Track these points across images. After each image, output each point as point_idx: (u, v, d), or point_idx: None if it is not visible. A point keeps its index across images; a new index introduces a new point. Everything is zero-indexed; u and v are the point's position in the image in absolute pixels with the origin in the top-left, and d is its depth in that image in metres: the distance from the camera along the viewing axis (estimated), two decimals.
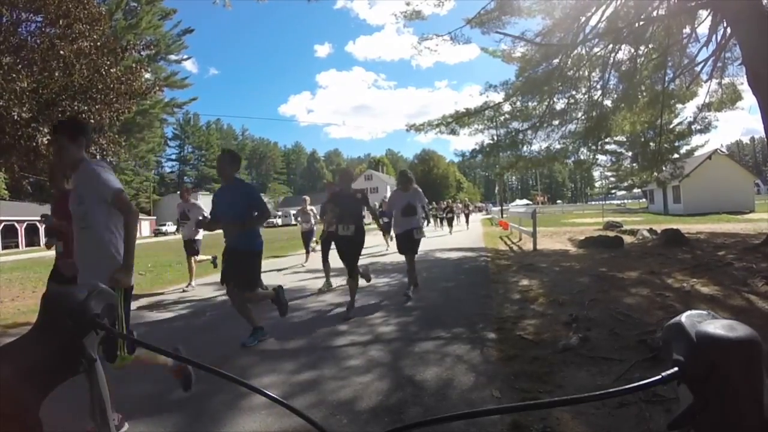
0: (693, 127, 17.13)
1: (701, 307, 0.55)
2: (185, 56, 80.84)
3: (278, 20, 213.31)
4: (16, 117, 11.45)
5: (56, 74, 12.67)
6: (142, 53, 15.46)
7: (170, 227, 62.94)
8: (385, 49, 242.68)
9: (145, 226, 67.00)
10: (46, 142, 12.39)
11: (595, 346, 4.35)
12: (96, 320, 0.58)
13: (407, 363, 4.18)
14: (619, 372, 3.71)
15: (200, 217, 6.07)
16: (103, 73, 13.17)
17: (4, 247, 42.32)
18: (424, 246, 15.95)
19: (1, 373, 0.50)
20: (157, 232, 62.33)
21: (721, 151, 40.21)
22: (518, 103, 16.33)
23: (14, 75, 11.69)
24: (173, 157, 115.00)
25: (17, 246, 44.55)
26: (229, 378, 0.59)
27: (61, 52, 12.18)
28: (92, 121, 13.13)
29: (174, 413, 3.41)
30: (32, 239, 47.15)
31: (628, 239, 14.24)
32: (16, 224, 45.21)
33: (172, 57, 69.14)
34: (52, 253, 4.62)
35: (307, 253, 12.07)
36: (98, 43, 13.20)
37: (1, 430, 0.47)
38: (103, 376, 0.60)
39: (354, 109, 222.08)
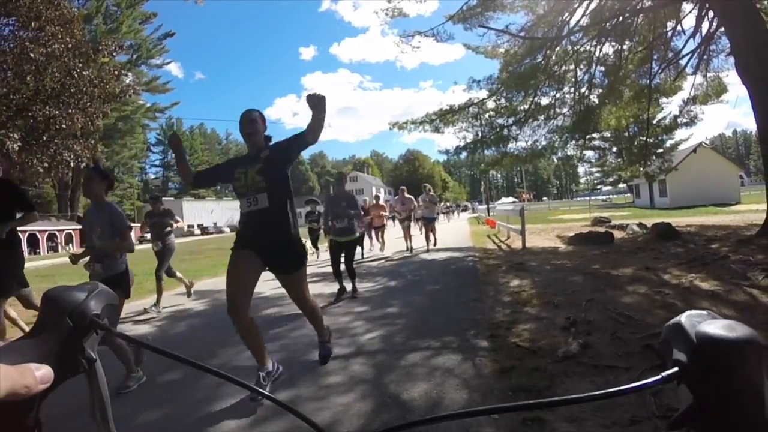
0: (679, 120, 17.05)
1: (704, 305, 0.67)
2: (167, 60, 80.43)
3: (263, 23, 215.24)
4: None
5: (28, 78, 12.25)
6: (114, 55, 15.05)
7: None
8: (370, 50, 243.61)
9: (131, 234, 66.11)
10: (17, 148, 11.96)
11: (597, 353, 4.01)
12: (96, 320, 0.58)
13: (392, 379, 3.80)
14: (628, 382, 3.38)
15: None
16: (75, 76, 12.78)
17: None
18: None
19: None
20: (141, 240, 61.37)
21: (705, 144, 40.41)
22: (503, 99, 16.11)
23: None
24: (157, 163, 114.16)
25: None
26: (229, 378, 0.58)
27: (32, 55, 11.77)
28: (64, 126, 12.72)
29: None
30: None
31: (618, 234, 14.02)
32: None
33: (154, 61, 69.04)
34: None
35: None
36: (69, 46, 12.79)
37: (1, 430, 0.47)
38: (103, 377, 0.59)
39: (340, 111, 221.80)
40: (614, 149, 24.26)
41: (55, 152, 13.39)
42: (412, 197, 14.97)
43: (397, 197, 15.07)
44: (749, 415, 0.44)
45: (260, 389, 0.59)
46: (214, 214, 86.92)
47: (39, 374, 0.48)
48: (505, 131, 16.30)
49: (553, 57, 14.95)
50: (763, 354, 0.46)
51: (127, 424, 3.19)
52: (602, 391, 0.47)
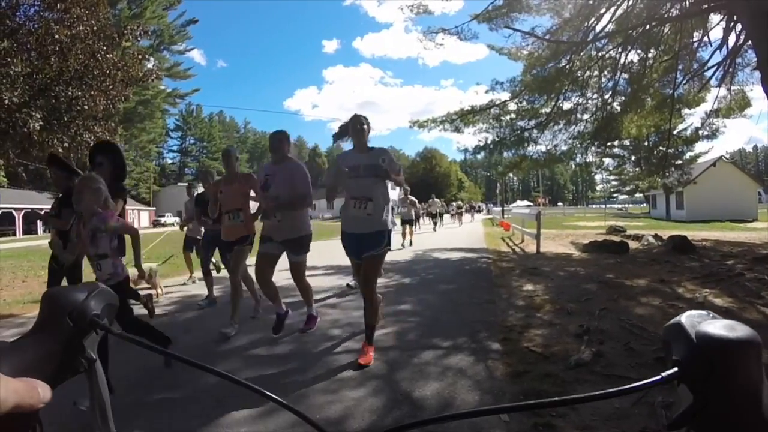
0: (700, 132, 16.85)
1: None
2: (190, 47, 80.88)
3: (288, 15, 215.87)
4: (7, 102, 11.17)
5: (52, 59, 12.37)
6: (139, 40, 15.16)
7: (169, 218, 62.62)
8: (393, 46, 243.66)
9: (144, 217, 66.65)
10: (38, 128, 12.10)
11: (609, 363, 4.01)
12: (96, 320, 0.58)
13: (404, 376, 3.83)
14: (639, 394, 3.37)
15: None
16: (99, 58, 12.88)
17: (1, 235, 41.90)
18: (421, 246, 15.57)
19: (1, 373, 0.48)
20: (156, 223, 61.85)
21: (725, 158, 39.93)
22: (525, 102, 16.02)
23: (9, 59, 11.41)
24: (175, 148, 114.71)
25: (15, 234, 44.15)
26: (229, 378, 0.59)
27: (56, 36, 11.88)
28: (86, 107, 12.84)
29: None
30: (30, 227, 46.73)
31: (632, 245, 13.95)
32: (13, 212, 44.82)
33: (177, 47, 69.43)
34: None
35: None
36: (95, 28, 12.90)
37: (1, 430, 0.47)
38: (103, 377, 0.60)
39: (360, 105, 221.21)
40: (633, 158, 24.05)
41: (75, 133, 13.50)
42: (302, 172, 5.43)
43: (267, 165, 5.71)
44: (749, 415, 0.45)
45: (260, 389, 0.59)
46: None
47: (41, 391, 0.49)
48: (526, 134, 16.20)
49: (578, 62, 14.82)
50: (763, 354, 0.47)
51: (130, 415, 3.18)
52: (603, 391, 0.49)
